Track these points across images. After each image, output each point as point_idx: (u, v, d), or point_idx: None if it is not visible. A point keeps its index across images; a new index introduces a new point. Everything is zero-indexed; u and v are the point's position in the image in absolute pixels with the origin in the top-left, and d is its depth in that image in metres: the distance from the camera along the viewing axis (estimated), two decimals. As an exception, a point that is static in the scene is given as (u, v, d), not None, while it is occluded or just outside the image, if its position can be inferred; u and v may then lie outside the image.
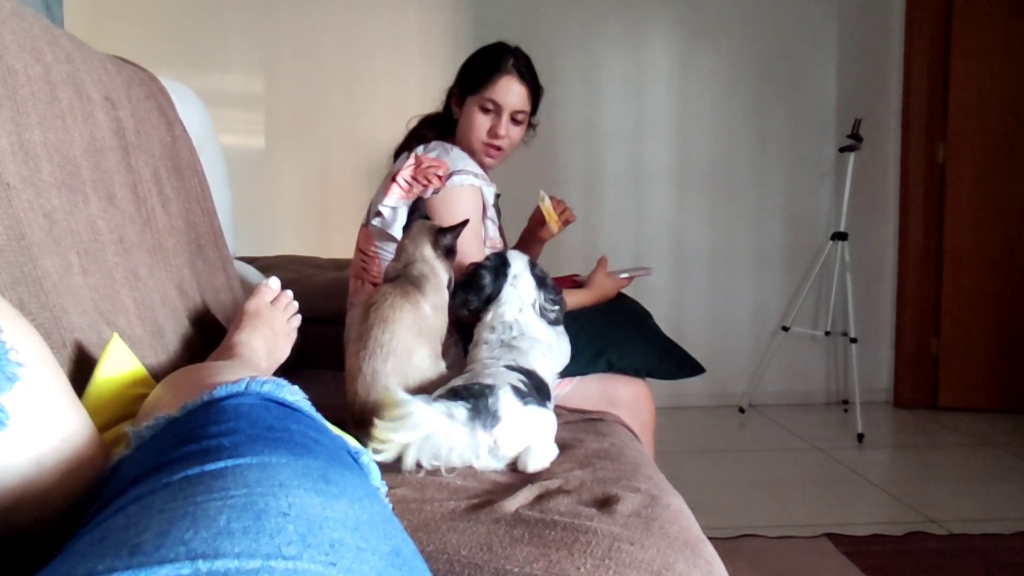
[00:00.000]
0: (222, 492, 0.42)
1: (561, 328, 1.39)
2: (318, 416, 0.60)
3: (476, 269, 1.34)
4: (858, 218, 3.48)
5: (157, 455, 0.49)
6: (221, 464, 0.45)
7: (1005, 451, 2.86)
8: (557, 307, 1.35)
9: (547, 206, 1.71)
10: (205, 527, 0.38)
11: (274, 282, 1.20)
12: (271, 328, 1.12)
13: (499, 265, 1.34)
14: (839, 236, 3.32)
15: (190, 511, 0.40)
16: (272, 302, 1.17)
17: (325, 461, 0.50)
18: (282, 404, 0.57)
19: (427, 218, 1.37)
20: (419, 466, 0.94)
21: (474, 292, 1.31)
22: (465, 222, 1.31)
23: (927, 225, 3.48)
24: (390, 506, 0.81)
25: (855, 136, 3.20)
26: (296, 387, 0.61)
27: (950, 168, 3.45)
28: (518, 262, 1.35)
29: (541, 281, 1.35)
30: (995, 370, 3.43)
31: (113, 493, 0.47)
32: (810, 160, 3.58)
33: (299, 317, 1.22)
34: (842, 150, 3.29)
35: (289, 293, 1.21)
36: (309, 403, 0.60)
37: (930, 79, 3.43)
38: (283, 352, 1.15)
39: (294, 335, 1.20)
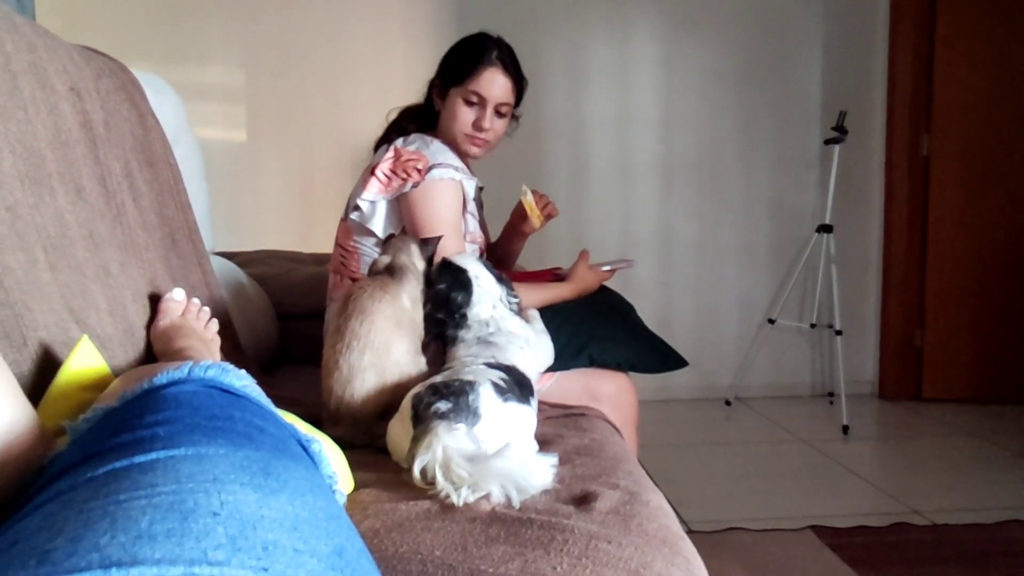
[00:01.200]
0: (148, 488, 0.39)
1: (542, 326, 1.37)
2: (267, 402, 0.57)
3: (443, 294, 1.28)
4: (843, 211, 3.48)
5: (88, 447, 0.46)
6: (152, 456, 0.42)
7: (988, 442, 2.88)
8: (517, 299, 1.34)
9: (529, 201, 1.69)
10: (124, 530, 0.35)
11: (178, 293, 1.14)
12: (199, 336, 1.08)
13: (456, 276, 1.29)
14: (824, 228, 3.32)
15: (110, 511, 0.37)
16: (183, 314, 1.12)
17: (268, 452, 0.47)
18: (227, 391, 0.54)
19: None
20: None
21: (455, 312, 1.27)
22: (439, 237, 1.37)
23: (911, 217, 3.49)
24: (342, 499, 0.79)
25: (840, 129, 3.19)
26: (243, 371, 0.57)
27: (934, 160, 3.45)
28: (471, 263, 1.33)
29: (499, 277, 1.34)
30: (979, 362, 3.45)
31: (37, 488, 0.44)
32: (795, 153, 3.57)
33: (216, 321, 1.16)
34: (827, 143, 3.29)
35: (196, 301, 1.16)
36: (258, 388, 0.57)
37: (915, 72, 3.43)
38: (216, 358, 1.09)
39: (218, 339, 1.14)
